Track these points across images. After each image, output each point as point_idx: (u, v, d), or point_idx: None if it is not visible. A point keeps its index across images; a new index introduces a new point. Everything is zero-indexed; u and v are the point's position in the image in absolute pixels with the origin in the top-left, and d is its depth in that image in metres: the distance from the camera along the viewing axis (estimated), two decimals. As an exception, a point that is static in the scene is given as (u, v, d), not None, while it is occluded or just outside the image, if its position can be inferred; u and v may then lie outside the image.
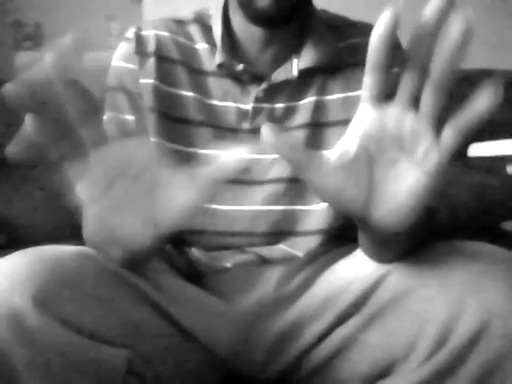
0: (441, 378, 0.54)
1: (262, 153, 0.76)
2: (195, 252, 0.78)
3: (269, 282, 0.75)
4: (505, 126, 1.66)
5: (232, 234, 0.76)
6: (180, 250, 0.80)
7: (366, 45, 0.77)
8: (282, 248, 0.77)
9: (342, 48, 0.79)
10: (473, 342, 0.52)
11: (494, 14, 1.93)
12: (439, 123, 0.77)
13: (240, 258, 0.77)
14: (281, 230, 0.77)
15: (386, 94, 0.74)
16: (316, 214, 0.76)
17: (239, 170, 0.45)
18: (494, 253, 0.56)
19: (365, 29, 0.80)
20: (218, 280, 0.77)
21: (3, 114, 1.56)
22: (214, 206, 0.76)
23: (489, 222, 1.58)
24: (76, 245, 0.72)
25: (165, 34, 0.79)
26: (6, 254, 0.60)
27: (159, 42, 0.78)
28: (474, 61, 1.80)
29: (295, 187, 0.76)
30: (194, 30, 0.80)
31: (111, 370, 0.56)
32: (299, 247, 0.77)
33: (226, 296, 0.75)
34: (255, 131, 0.76)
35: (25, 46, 1.99)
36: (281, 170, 0.76)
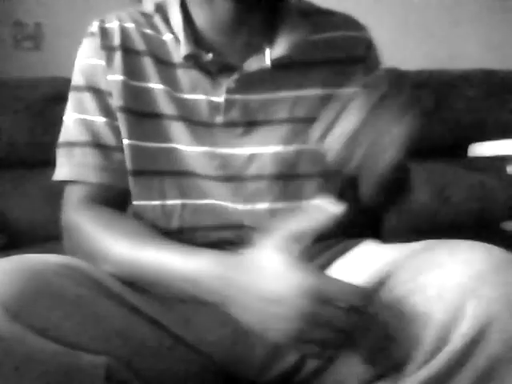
0: (438, 382, 0.53)
1: (237, 146, 0.72)
2: None
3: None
4: (504, 126, 1.66)
5: (221, 228, 0.72)
6: None
7: (343, 40, 0.77)
8: None
9: (319, 41, 0.76)
10: (471, 346, 0.51)
11: (493, 14, 1.94)
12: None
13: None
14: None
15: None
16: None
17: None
18: (493, 255, 0.55)
19: (341, 20, 0.77)
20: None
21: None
22: (199, 202, 0.72)
23: (489, 222, 1.58)
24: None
25: (130, 25, 0.75)
26: (6, 254, 0.60)
27: (124, 33, 0.74)
28: (474, 61, 1.80)
29: (279, 184, 0.72)
30: (159, 21, 0.76)
31: (89, 377, 0.55)
32: None
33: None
34: (229, 125, 0.72)
35: (25, 46, 1.99)
36: (262, 166, 0.72)
